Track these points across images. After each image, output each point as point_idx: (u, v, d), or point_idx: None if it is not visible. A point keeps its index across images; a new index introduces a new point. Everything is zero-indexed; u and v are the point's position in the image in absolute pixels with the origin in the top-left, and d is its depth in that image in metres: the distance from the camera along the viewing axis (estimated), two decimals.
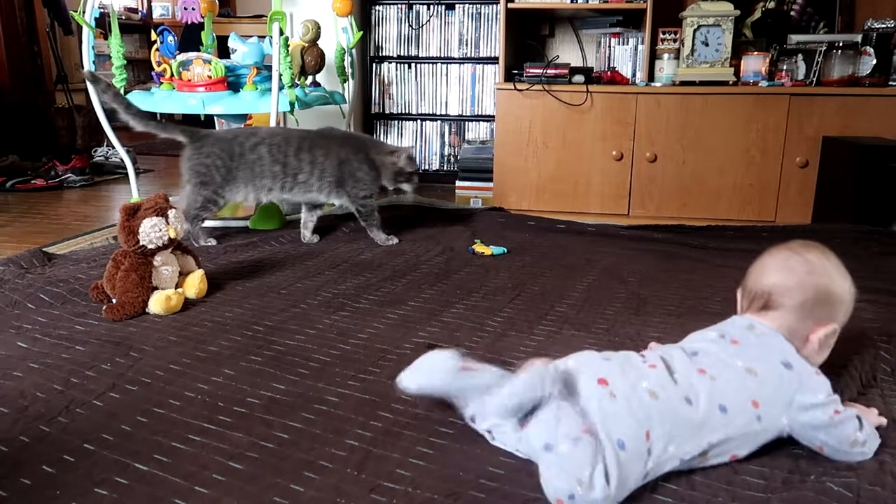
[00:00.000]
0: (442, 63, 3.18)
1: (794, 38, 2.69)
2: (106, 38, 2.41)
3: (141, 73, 5.87)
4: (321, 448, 1.01)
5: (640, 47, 2.84)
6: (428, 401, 1.09)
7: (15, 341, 1.37)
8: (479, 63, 3.14)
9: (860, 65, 2.59)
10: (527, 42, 3.14)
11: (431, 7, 3.13)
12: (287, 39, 2.30)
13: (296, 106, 2.34)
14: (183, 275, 1.66)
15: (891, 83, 2.57)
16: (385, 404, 1.14)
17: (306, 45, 2.56)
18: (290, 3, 2.91)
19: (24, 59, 3.98)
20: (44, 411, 1.10)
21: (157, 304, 1.53)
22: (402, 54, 3.20)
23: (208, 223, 2.42)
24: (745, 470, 0.95)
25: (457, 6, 3.11)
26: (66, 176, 3.30)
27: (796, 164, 2.58)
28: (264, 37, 2.46)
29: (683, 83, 2.63)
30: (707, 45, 2.62)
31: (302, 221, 2.24)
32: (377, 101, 3.25)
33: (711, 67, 2.62)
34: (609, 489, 0.83)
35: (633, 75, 2.88)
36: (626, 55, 2.91)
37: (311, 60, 2.56)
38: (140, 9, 6.21)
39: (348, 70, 2.80)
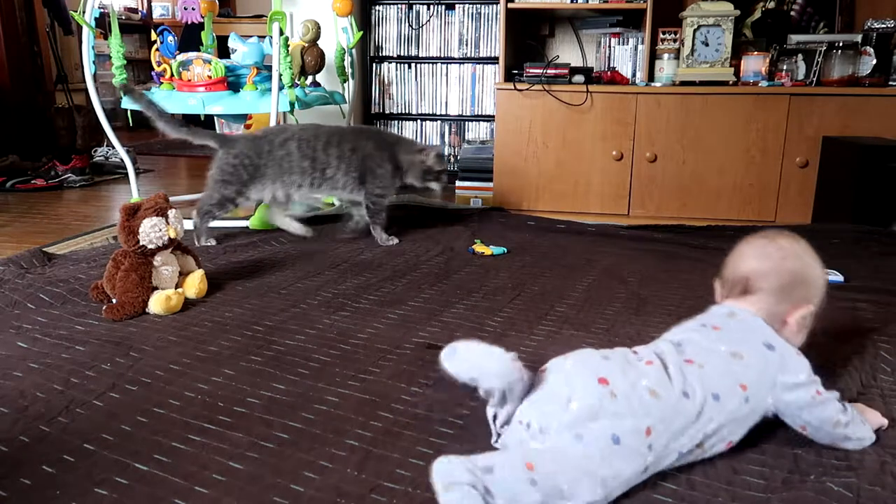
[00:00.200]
0: (442, 63, 3.18)
1: (794, 38, 2.69)
2: (106, 38, 2.41)
3: (141, 73, 5.87)
4: (321, 448, 1.01)
5: (640, 47, 2.84)
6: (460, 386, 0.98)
7: (15, 341, 1.37)
8: (479, 63, 3.15)
9: (860, 65, 2.59)
10: (527, 42, 3.14)
11: (431, 7, 3.13)
12: (287, 39, 2.30)
13: (296, 106, 2.35)
14: (183, 275, 1.66)
15: (891, 83, 2.57)
16: (385, 404, 1.14)
17: (306, 45, 2.56)
18: (290, 3, 2.91)
19: (24, 59, 3.98)
20: (44, 411, 1.10)
21: (157, 304, 1.53)
22: (402, 54, 3.20)
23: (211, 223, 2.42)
24: (745, 470, 0.95)
25: (457, 6, 3.11)
26: (66, 176, 3.30)
27: (796, 164, 2.58)
28: (264, 37, 2.46)
29: (683, 83, 2.63)
30: (707, 45, 2.62)
31: (352, 219, 2.26)
32: (377, 101, 3.25)
33: (711, 67, 2.62)
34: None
35: (633, 75, 2.88)
36: (626, 55, 2.91)
37: (311, 60, 2.56)
38: (140, 9, 6.21)
39: (348, 70, 2.80)
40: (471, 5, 3.09)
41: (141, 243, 1.53)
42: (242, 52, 2.45)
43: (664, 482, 0.91)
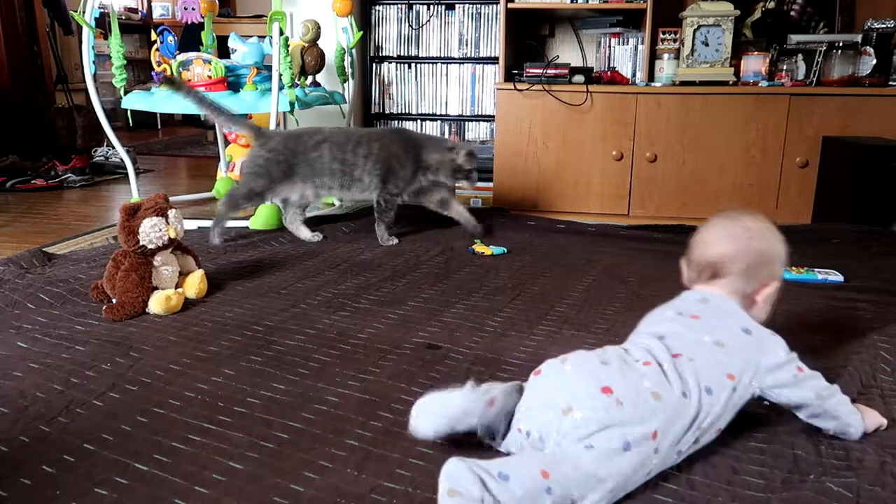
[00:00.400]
0: (442, 63, 3.18)
1: (794, 38, 2.69)
2: (106, 38, 2.41)
3: (141, 73, 5.87)
4: (321, 448, 1.01)
5: (640, 47, 2.84)
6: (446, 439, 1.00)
7: (15, 341, 1.37)
8: (479, 63, 3.14)
9: (860, 65, 2.59)
10: (527, 42, 3.14)
11: (431, 7, 3.13)
12: (287, 39, 2.30)
13: (296, 106, 2.35)
14: (183, 275, 1.66)
15: (891, 83, 2.57)
16: (385, 404, 1.14)
17: (306, 45, 2.56)
18: (290, 3, 2.91)
19: (24, 59, 3.98)
20: (44, 411, 1.10)
21: (157, 304, 1.53)
22: (402, 54, 3.20)
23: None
24: (745, 470, 0.95)
25: (457, 6, 3.11)
26: (66, 176, 3.30)
27: (796, 164, 2.58)
28: (264, 37, 2.46)
29: (683, 83, 2.63)
30: (707, 45, 2.62)
31: (459, 222, 2.28)
32: (377, 101, 3.25)
33: (711, 67, 2.62)
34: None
35: (633, 75, 2.88)
36: (626, 55, 2.91)
37: (311, 60, 2.56)
38: (140, 9, 6.21)
39: (348, 70, 2.80)
40: (471, 5, 3.09)
41: (141, 243, 1.53)
42: (242, 52, 2.45)
43: (664, 482, 0.91)
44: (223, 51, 2.87)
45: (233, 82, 2.42)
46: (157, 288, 1.57)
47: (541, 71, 2.69)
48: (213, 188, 3.02)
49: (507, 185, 2.78)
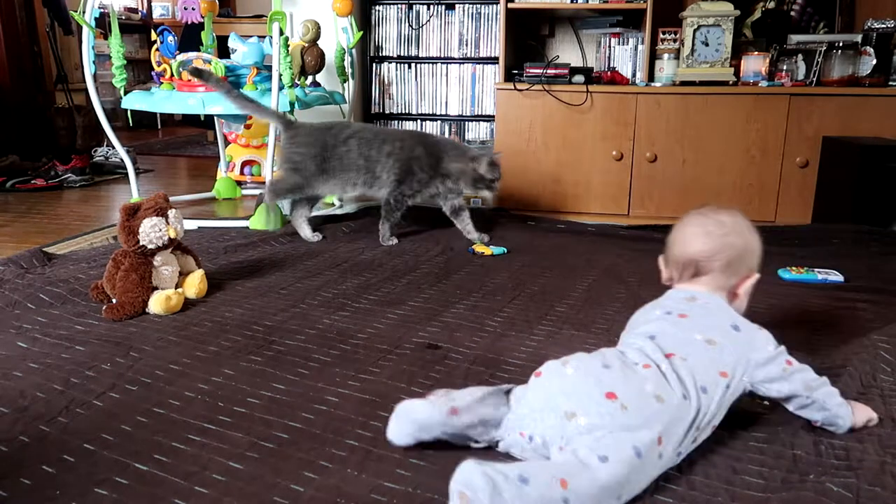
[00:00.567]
0: (442, 63, 3.18)
1: (794, 38, 2.69)
2: (106, 38, 2.41)
3: (141, 73, 5.87)
4: (321, 448, 1.01)
5: (640, 47, 2.84)
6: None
7: (15, 341, 1.37)
8: (479, 63, 3.14)
9: (860, 65, 2.59)
10: (527, 42, 3.14)
11: (431, 7, 3.13)
12: (287, 39, 2.30)
13: (296, 106, 2.35)
14: (183, 275, 1.66)
15: (891, 83, 2.57)
16: (385, 404, 1.14)
17: (306, 45, 2.56)
18: (290, 3, 2.91)
19: (24, 59, 3.98)
20: (44, 411, 1.10)
21: (157, 304, 1.53)
22: (402, 54, 3.19)
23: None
24: (745, 470, 0.95)
25: (457, 6, 3.11)
26: (66, 176, 3.30)
27: (796, 164, 2.58)
28: (264, 37, 2.46)
29: (683, 83, 2.63)
30: (707, 45, 2.62)
31: (461, 229, 2.26)
32: (377, 101, 3.25)
33: (711, 67, 2.62)
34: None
35: (633, 75, 2.88)
36: (626, 55, 2.91)
37: (311, 60, 2.56)
38: (140, 9, 6.21)
39: (348, 70, 2.80)
40: (471, 5, 3.09)
41: (141, 243, 1.53)
42: (242, 52, 2.45)
43: (664, 482, 0.91)
44: (223, 51, 2.87)
45: (233, 82, 2.41)
46: (157, 288, 1.57)
47: (541, 71, 2.69)
48: (214, 188, 3.02)
49: (507, 185, 2.77)
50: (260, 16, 4.07)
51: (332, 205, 2.86)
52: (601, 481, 0.83)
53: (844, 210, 2.37)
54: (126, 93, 2.43)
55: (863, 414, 1.04)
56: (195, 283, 1.65)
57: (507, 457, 0.97)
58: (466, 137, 3.30)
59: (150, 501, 0.88)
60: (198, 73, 2.21)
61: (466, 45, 3.15)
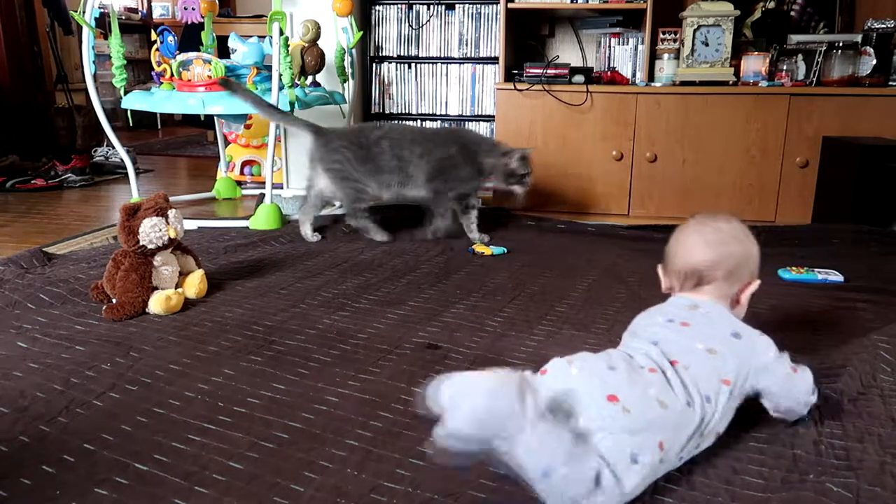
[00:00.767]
0: (442, 63, 3.17)
1: (794, 38, 2.69)
2: (106, 38, 2.41)
3: (141, 73, 5.87)
4: (321, 448, 1.01)
5: (640, 47, 2.84)
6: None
7: (15, 341, 1.37)
8: (479, 63, 3.14)
9: (860, 65, 2.59)
10: (527, 42, 3.14)
11: (431, 7, 3.12)
12: (287, 39, 2.30)
13: (296, 106, 2.34)
14: (183, 275, 1.66)
15: (891, 83, 2.57)
16: (385, 404, 1.14)
17: (306, 45, 2.56)
18: (290, 3, 2.91)
19: (24, 59, 3.98)
20: (44, 411, 1.10)
21: (157, 304, 1.53)
22: (402, 54, 3.19)
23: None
24: (745, 470, 0.95)
25: (457, 6, 3.11)
26: (66, 176, 3.30)
27: (796, 164, 2.58)
28: (264, 37, 2.46)
29: (683, 83, 2.63)
30: (707, 45, 2.62)
31: (465, 227, 2.25)
32: (377, 101, 3.25)
33: (711, 67, 2.62)
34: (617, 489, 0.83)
35: (633, 75, 2.88)
36: (626, 55, 2.91)
37: (311, 60, 2.56)
38: (140, 9, 6.21)
39: (348, 70, 2.80)
40: (471, 5, 3.09)
41: (141, 243, 1.53)
42: (242, 52, 2.45)
43: (664, 482, 0.91)
44: (223, 51, 2.87)
45: None
46: (157, 288, 1.57)
47: (541, 71, 2.69)
48: (214, 188, 3.02)
49: None
50: (260, 16, 4.07)
51: (332, 205, 2.86)
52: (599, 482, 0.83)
53: (844, 210, 2.37)
54: (126, 93, 2.43)
55: None
56: (195, 283, 1.65)
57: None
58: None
59: (150, 501, 0.88)
60: (226, 84, 2.23)
61: (466, 45, 3.15)
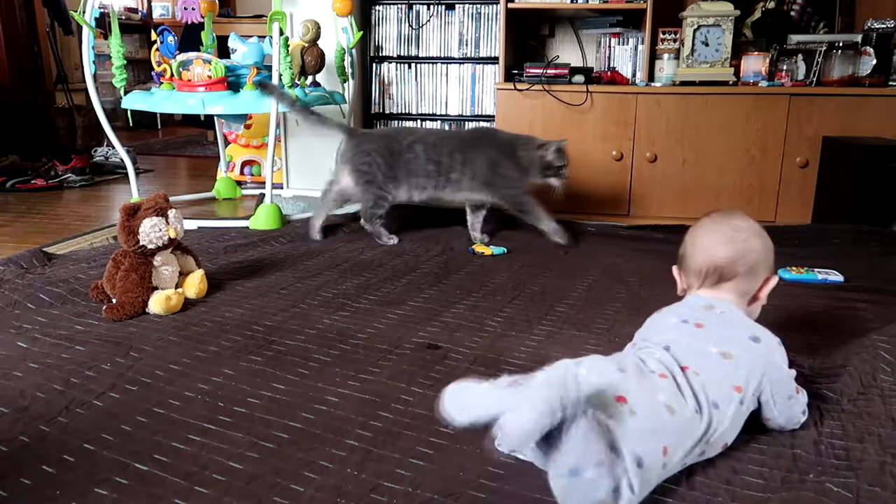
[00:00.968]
0: (442, 63, 3.17)
1: (794, 38, 2.69)
2: (106, 38, 2.41)
3: (141, 73, 5.87)
4: (321, 448, 1.01)
5: (640, 47, 2.84)
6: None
7: (15, 341, 1.37)
8: (479, 63, 3.14)
9: (860, 65, 2.59)
10: (527, 42, 3.14)
11: (431, 7, 3.12)
12: (287, 39, 2.30)
13: None
14: (183, 275, 1.66)
15: (891, 83, 2.57)
16: (385, 404, 1.14)
17: (306, 45, 2.56)
18: (290, 3, 2.91)
19: (24, 59, 3.98)
20: (44, 411, 1.10)
21: (157, 304, 1.53)
22: (402, 54, 3.19)
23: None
24: (745, 470, 0.95)
25: (457, 6, 3.11)
26: (66, 176, 3.30)
27: (796, 164, 2.58)
28: (264, 37, 2.46)
29: (683, 83, 2.63)
30: (707, 45, 2.62)
31: (469, 224, 2.27)
32: (377, 101, 3.25)
33: (711, 67, 2.62)
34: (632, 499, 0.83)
35: (633, 75, 2.88)
36: (626, 55, 2.91)
37: (311, 60, 2.56)
38: (140, 9, 6.21)
39: (348, 70, 2.80)
40: (471, 5, 3.09)
41: (141, 243, 1.53)
42: (242, 52, 2.45)
43: (664, 482, 0.91)
44: (223, 51, 2.87)
45: (233, 82, 2.41)
46: (157, 288, 1.57)
47: (541, 71, 2.69)
48: (214, 188, 3.02)
49: None
50: (260, 16, 4.07)
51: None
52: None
53: (844, 210, 2.37)
54: (126, 93, 2.43)
55: None
56: (195, 283, 1.65)
57: (509, 457, 0.97)
58: None
59: (150, 501, 0.88)
60: (263, 86, 2.24)
61: (466, 45, 3.14)
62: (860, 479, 0.90)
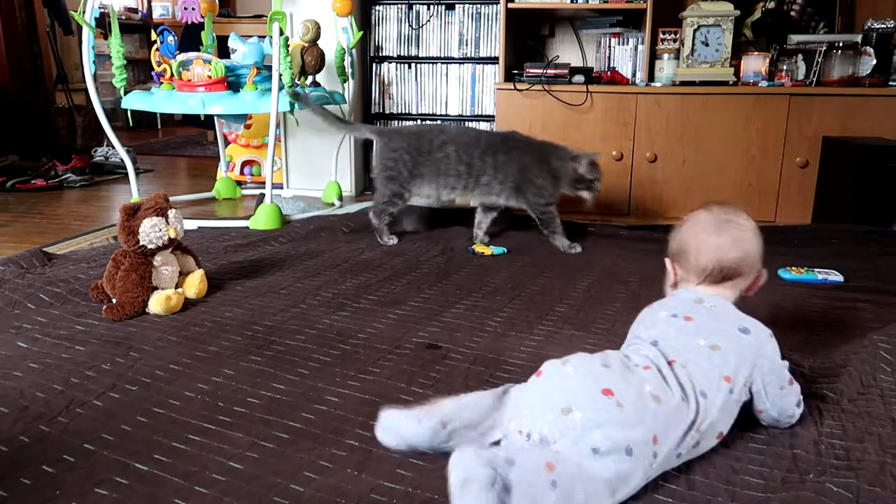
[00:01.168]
0: (442, 63, 3.18)
1: (794, 38, 2.69)
2: (106, 38, 2.41)
3: (141, 73, 5.87)
4: (321, 448, 1.01)
5: (640, 47, 2.84)
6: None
7: (15, 341, 1.37)
8: (479, 63, 3.14)
9: (860, 65, 2.59)
10: (527, 42, 3.14)
11: (431, 7, 3.13)
12: (287, 39, 2.30)
13: (296, 106, 2.35)
14: (183, 275, 1.66)
15: (891, 83, 2.57)
16: (385, 404, 1.13)
17: (306, 45, 2.56)
18: (290, 3, 2.91)
19: (24, 59, 3.98)
20: (44, 411, 1.10)
21: (157, 304, 1.53)
22: (402, 54, 3.19)
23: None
24: (745, 470, 0.95)
25: (457, 6, 3.11)
26: (66, 176, 3.30)
27: (796, 164, 2.58)
28: (264, 37, 2.46)
29: (683, 83, 2.63)
30: (707, 45, 2.62)
31: (476, 222, 2.26)
32: (377, 101, 3.25)
33: (711, 67, 2.62)
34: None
35: (633, 75, 2.88)
36: (626, 55, 2.91)
37: (311, 60, 2.56)
38: (140, 9, 6.21)
39: (348, 70, 2.80)
40: (471, 5, 3.09)
41: (141, 243, 1.53)
42: (242, 52, 2.45)
43: (664, 482, 0.91)
44: (223, 51, 2.87)
45: (233, 82, 2.42)
46: (157, 288, 1.57)
47: (541, 71, 2.69)
48: (214, 188, 3.02)
49: None
50: (260, 16, 4.07)
51: (332, 205, 2.87)
52: (589, 472, 0.84)
53: (844, 210, 2.37)
54: (126, 93, 2.43)
55: None
56: (195, 283, 1.65)
57: None
58: None
59: (150, 501, 0.88)
60: (296, 96, 2.26)
61: (466, 45, 3.15)
62: (860, 479, 0.90)
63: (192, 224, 2.32)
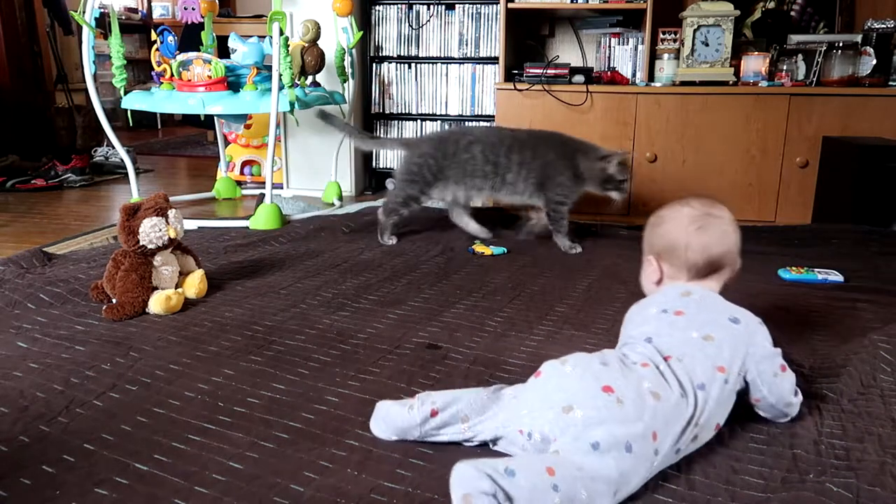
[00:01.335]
0: (442, 63, 3.17)
1: (794, 38, 2.69)
2: (106, 38, 2.41)
3: (141, 73, 5.87)
4: (321, 448, 1.01)
5: (640, 47, 2.84)
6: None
7: (15, 341, 1.37)
8: (479, 63, 3.14)
9: (860, 65, 2.59)
10: (527, 42, 3.14)
11: (431, 7, 3.13)
12: (287, 39, 2.30)
13: (296, 106, 2.35)
14: (183, 275, 1.66)
15: (891, 83, 2.57)
16: None
17: (306, 45, 2.56)
18: (290, 3, 2.91)
19: (24, 59, 3.98)
20: (44, 411, 1.10)
21: (157, 304, 1.53)
22: (402, 54, 3.19)
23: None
24: (745, 470, 0.95)
25: (457, 6, 3.11)
26: (66, 176, 3.30)
27: (796, 164, 2.58)
28: (264, 37, 2.46)
29: (683, 83, 2.63)
30: (707, 45, 2.62)
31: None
32: (377, 101, 3.25)
33: (711, 67, 2.62)
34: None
35: (633, 75, 2.88)
36: (626, 55, 2.91)
37: (311, 60, 2.56)
38: (140, 9, 6.21)
39: (348, 70, 2.80)
40: (471, 5, 3.09)
41: (141, 243, 1.53)
42: (242, 52, 2.45)
43: (664, 482, 0.91)
44: (223, 51, 2.87)
45: (233, 82, 2.42)
46: (157, 288, 1.57)
47: (541, 71, 2.69)
48: (214, 188, 3.02)
49: None
50: (260, 16, 4.07)
51: (332, 205, 2.87)
52: (589, 469, 0.84)
53: (844, 210, 2.37)
54: (126, 93, 2.43)
55: None
56: (195, 283, 1.65)
57: (504, 456, 0.97)
58: None
59: (150, 501, 0.88)
60: (324, 116, 2.28)
61: (466, 45, 3.14)
62: (860, 479, 0.90)
63: (192, 224, 2.32)
